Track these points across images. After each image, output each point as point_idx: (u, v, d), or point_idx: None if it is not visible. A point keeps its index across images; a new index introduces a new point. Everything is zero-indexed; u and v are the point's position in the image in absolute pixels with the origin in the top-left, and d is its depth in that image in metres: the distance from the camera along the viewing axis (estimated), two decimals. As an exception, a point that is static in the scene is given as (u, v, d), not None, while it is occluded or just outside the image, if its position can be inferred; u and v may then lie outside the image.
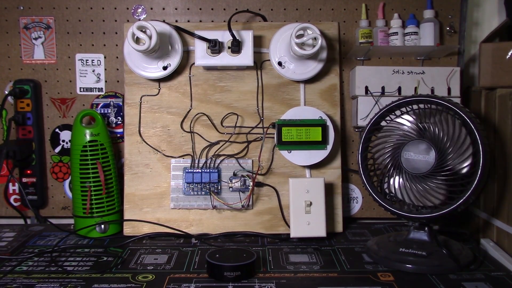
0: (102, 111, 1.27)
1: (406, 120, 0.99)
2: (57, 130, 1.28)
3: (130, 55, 1.16)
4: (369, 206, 1.27)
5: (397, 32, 1.21)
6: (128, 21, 1.25)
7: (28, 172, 1.26)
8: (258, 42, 1.20)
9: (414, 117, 0.98)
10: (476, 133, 0.90)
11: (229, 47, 1.14)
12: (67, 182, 1.29)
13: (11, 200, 1.29)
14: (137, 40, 1.07)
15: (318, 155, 1.16)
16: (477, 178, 0.89)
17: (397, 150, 0.97)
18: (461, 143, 0.92)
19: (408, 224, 1.02)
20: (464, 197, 0.90)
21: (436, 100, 0.95)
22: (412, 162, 0.95)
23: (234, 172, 1.17)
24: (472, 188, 0.90)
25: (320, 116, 1.16)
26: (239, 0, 1.25)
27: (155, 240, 1.13)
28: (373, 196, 1.02)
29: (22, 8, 1.26)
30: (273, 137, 1.16)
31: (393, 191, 0.99)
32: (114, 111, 1.27)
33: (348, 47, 1.25)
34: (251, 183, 1.16)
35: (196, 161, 1.18)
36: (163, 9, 1.25)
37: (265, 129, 1.19)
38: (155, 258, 1.00)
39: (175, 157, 1.19)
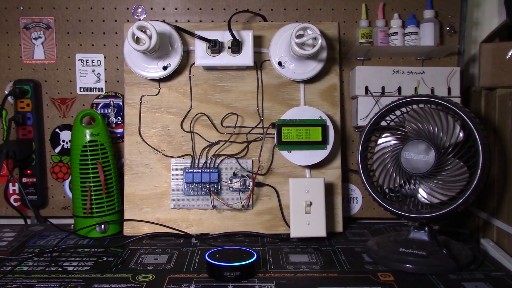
0: (102, 111, 1.27)
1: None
2: (57, 130, 1.28)
3: (130, 55, 1.16)
4: (369, 206, 1.27)
5: (397, 32, 1.21)
6: (128, 21, 1.25)
7: (28, 172, 1.26)
8: (258, 42, 1.20)
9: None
10: (476, 133, 0.90)
11: (229, 47, 1.14)
12: (67, 182, 1.29)
13: (11, 200, 1.29)
14: (137, 40, 1.07)
15: (318, 155, 1.16)
16: (477, 178, 0.89)
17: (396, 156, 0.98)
18: (459, 141, 0.92)
19: (408, 224, 1.02)
20: (464, 197, 0.90)
21: (436, 100, 0.95)
22: (412, 162, 0.95)
23: (234, 172, 1.17)
24: (471, 188, 0.90)
25: (320, 116, 1.16)
26: (239, 0, 1.25)
27: (155, 240, 1.12)
28: (373, 196, 1.02)
29: (22, 8, 1.26)
30: (273, 137, 1.16)
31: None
32: (114, 111, 1.27)
33: (348, 47, 1.25)
34: (251, 183, 1.16)
35: (196, 161, 1.18)
36: (163, 9, 1.25)
37: (265, 129, 1.19)
38: (155, 258, 1.01)
39: (175, 157, 1.19)
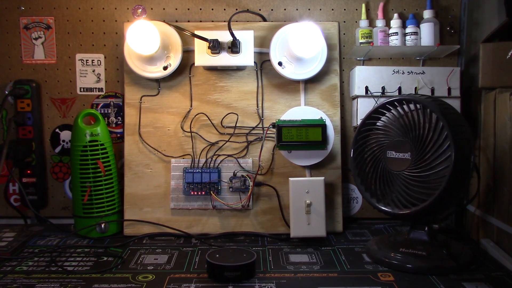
0: (102, 111, 1.27)
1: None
2: (57, 130, 1.28)
3: (130, 55, 1.16)
4: (369, 206, 1.26)
5: (397, 32, 1.21)
6: (128, 21, 1.25)
7: (28, 172, 1.26)
8: (258, 42, 1.20)
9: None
10: (448, 129, 0.88)
11: (229, 47, 1.14)
12: (67, 182, 1.29)
13: (11, 200, 1.29)
14: (137, 41, 1.07)
15: (318, 155, 1.16)
16: (449, 173, 0.88)
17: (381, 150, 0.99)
18: (437, 140, 0.91)
19: (407, 224, 1.02)
20: (437, 193, 0.89)
21: (415, 99, 0.95)
22: (394, 161, 0.96)
23: (234, 172, 1.17)
24: (444, 184, 0.88)
25: (320, 116, 1.16)
26: (239, 0, 1.25)
27: (155, 240, 1.12)
28: (363, 194, 1.03)
29: (22, 8, 1.26)
30: (273, 137, 1.16)
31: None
32: (114, 111, 1.27)
33: (348, 47, 1.25)
34: (251, 183, 1.16)
35: (196, 161, 1.18)
36: (163, 9, 1.25)
37: (265, 129, 1.19)
38: (155, 258, 1.01)
39: (175, 157, 1.19)
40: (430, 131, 0.92)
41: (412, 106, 0.96)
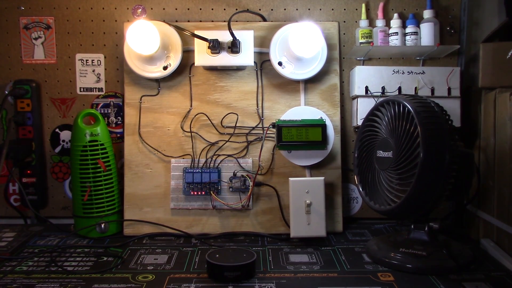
0: (102, 111, 1.27)
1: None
2: (57, 130, 1.28)
3: (130, 55, 1.16)
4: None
5: (397, 32, 1.21)
6: (128, 21, 1.25)
7: (28, 172, 1.26)
8: (258, 42, 1.20)
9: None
10: (419, 126, 0.88)
11: (229, 47, 1.14)
12: (67, 182, 1.29)
13: (11, 200, 1.29)
14: (137, 41, 1.07)
15: (318, 155, 1.16)
16: (418, 170, 0.88)
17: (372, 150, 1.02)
18: (410, 138, 0.92)
19: (407, 224, 1.02)
20: (409, 190, 0.89)
21: (397, 99, 0.95)
22: (381, 159, 0.98)
23: (234, 172, 1.17)
24: (414, 181, 0.88)
25: (320, 116, 1.16)
26: (239, 0, 1.25)
27: (155, 240, 1.12)
28: (360, 192, 1.04)
29: (22, 8, 1.26)
30: (273, 137, 1.16)
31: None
32: (114, 111, 1.27)
33: (348, 47, 1.25)
34: (251, 183, 1.16)
35: (196, 161, 1.18)
36: (163, 9, 1.25)
37: (265, 129, 1.19)
38: (155, 258, 1.01)
39: (175, 157, 1.19)
40: (406, 129, 0.93)
41: (397, 106, 0.96)
